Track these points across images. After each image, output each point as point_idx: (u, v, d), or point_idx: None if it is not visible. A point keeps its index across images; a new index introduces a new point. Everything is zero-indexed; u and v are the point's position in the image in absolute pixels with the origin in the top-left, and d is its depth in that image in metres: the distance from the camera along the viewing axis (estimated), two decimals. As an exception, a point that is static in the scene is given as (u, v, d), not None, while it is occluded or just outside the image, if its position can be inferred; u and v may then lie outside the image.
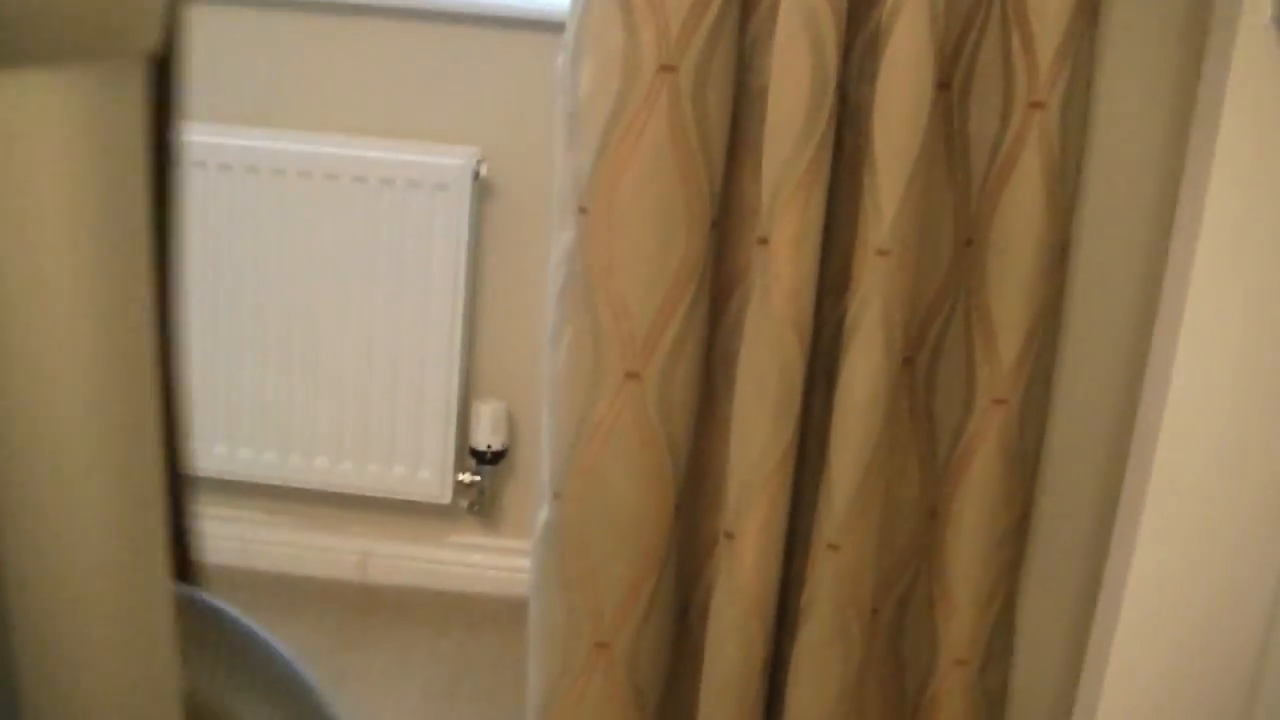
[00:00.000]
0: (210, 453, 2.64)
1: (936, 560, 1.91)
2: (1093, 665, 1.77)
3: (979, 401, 1.83)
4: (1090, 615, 1.81)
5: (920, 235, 1.74)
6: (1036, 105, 1.71)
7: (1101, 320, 1.87)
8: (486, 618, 2.72)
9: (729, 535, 1.81)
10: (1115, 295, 1.87)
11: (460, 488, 2.69)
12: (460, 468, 2.68)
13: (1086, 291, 1.87)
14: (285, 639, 2.48)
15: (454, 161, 2.45)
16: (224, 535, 2.78)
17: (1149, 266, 1.82)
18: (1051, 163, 1.73)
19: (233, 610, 0.77)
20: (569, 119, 1.71)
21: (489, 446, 2.65)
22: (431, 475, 2.63)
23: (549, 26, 2.33)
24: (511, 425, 2.69)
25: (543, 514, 1.84)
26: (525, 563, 1.93)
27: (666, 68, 1.64)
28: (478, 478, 2.70)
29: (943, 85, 1.74)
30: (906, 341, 1.79)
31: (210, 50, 2.53)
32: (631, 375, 1.73)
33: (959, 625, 1.90)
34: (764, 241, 1.70)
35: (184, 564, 0.78)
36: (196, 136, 2.47)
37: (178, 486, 0.75)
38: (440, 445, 2.61)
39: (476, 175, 2.48)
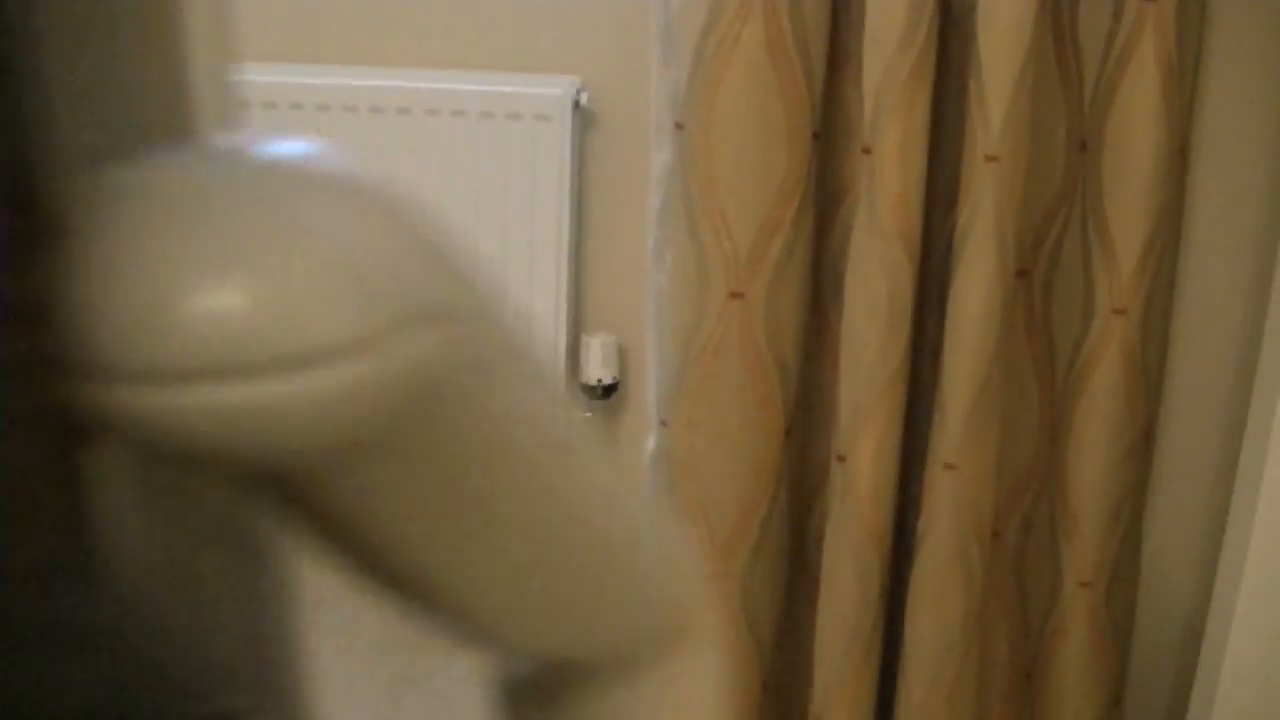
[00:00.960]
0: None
1: (1059, 479, 1.85)
2: (1224, 587, 1.71)
3: (1098, 312, 1.76)
4: (1221, 535, 1.75)
5: (1031, 140, 1.68)
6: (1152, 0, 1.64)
7: (1223, 224, 1.80)
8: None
9: (841, 458, 1.76)
10: (1237, 198, 1.79)
11: (572, 424, 2.67)
12: (571, 404, 2.65)
13: (1207, 194, 1.79)
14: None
15: (554, 91, 2.41)
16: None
17: (1272, 168, 1.75)
18: (1168, 58, 1.65)
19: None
20: (663, 33, 1.66)
21: (599, 381, 2.62)
22: (542, 412, 2.61)
23: (645, -51, 2.28)
24: (622, 358, 2.65)
25: (650, 442, 1.80)
26: (638, 496, 1.90)
27: (760, -26, 1.59)
28: (588, 414, 2.67)
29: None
30: (1021, 252, 1.73)
31: (305, -11, 2.52)
32: (736, 295, 1.69)
33: (1082, 546, 1.84)
34: (868, 151, 1.65)
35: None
36: (292, 77, 2.46)
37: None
38: (550, 381, 2.59)
39: (577, 104, 2.44)
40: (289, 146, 0.48)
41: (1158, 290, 1.76)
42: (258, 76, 2.46)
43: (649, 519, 0.61)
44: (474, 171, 2.46)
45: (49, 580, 0.42)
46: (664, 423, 1.77)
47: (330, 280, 0.41)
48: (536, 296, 2.52)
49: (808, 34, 1.63)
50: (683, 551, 0.66)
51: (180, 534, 0.49)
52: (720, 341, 1.71)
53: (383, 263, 0.45)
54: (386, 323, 0.43)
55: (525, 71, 2.48)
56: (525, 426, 0.52)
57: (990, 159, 1.62)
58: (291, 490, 0.48)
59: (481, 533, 0.51)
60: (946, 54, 1.68)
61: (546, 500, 0.53)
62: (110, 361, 0.39)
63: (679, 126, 1.65)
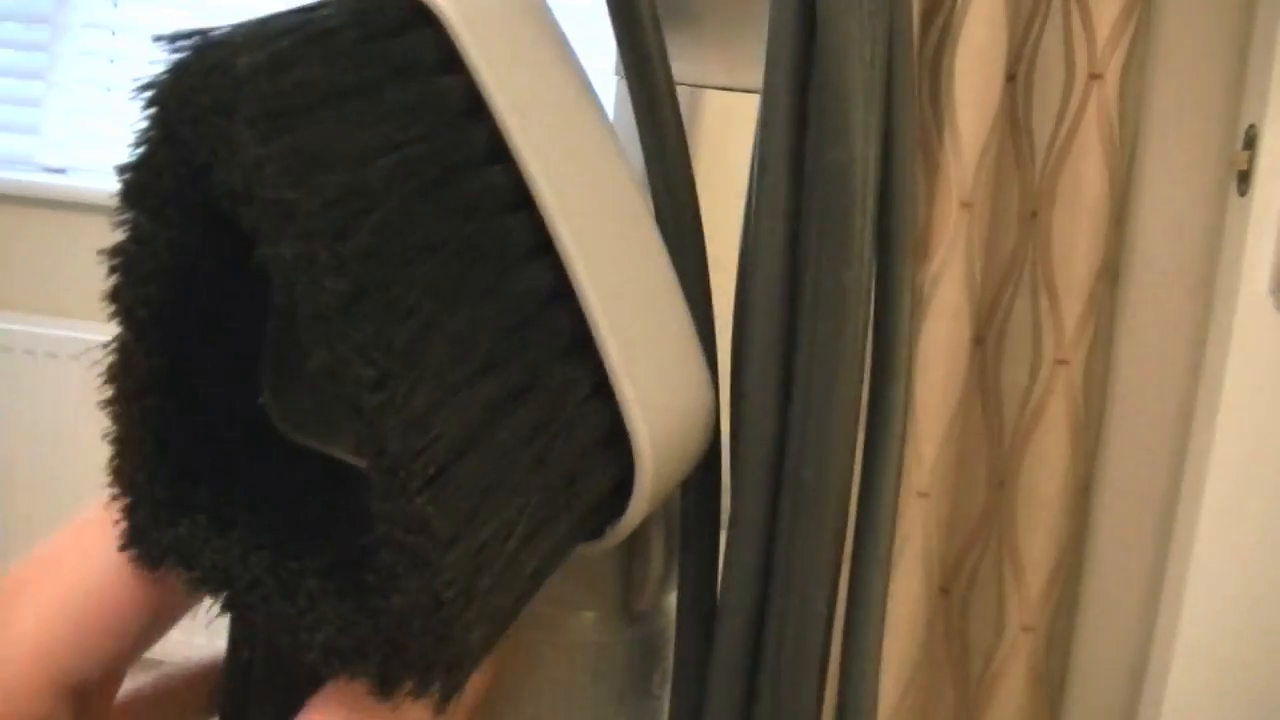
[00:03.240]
0: None
1: (1007, 529, 2.03)
2: (1162, 634, 1.92)
3: (1045, 365, 1.94)
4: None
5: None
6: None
7: (1162, 283, 1.99)
8: None
9: None
10: (1175, 257, 1.98)
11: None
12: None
13: (1145, 254, 1.99)
14: None
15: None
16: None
17: (1210, 218, 1.95)
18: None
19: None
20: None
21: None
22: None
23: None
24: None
25: None
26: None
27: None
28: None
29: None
30: (978, 320, 1.94)
31: None
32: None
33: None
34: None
35: None
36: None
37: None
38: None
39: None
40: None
41: (1097, 345, 1.94)
42: None
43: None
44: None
45: None
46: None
47: None
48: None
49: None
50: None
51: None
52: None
53: None
54: None
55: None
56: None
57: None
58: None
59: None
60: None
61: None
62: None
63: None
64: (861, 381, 0.36)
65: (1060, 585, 1.96)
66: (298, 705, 0.32)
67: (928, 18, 1.87)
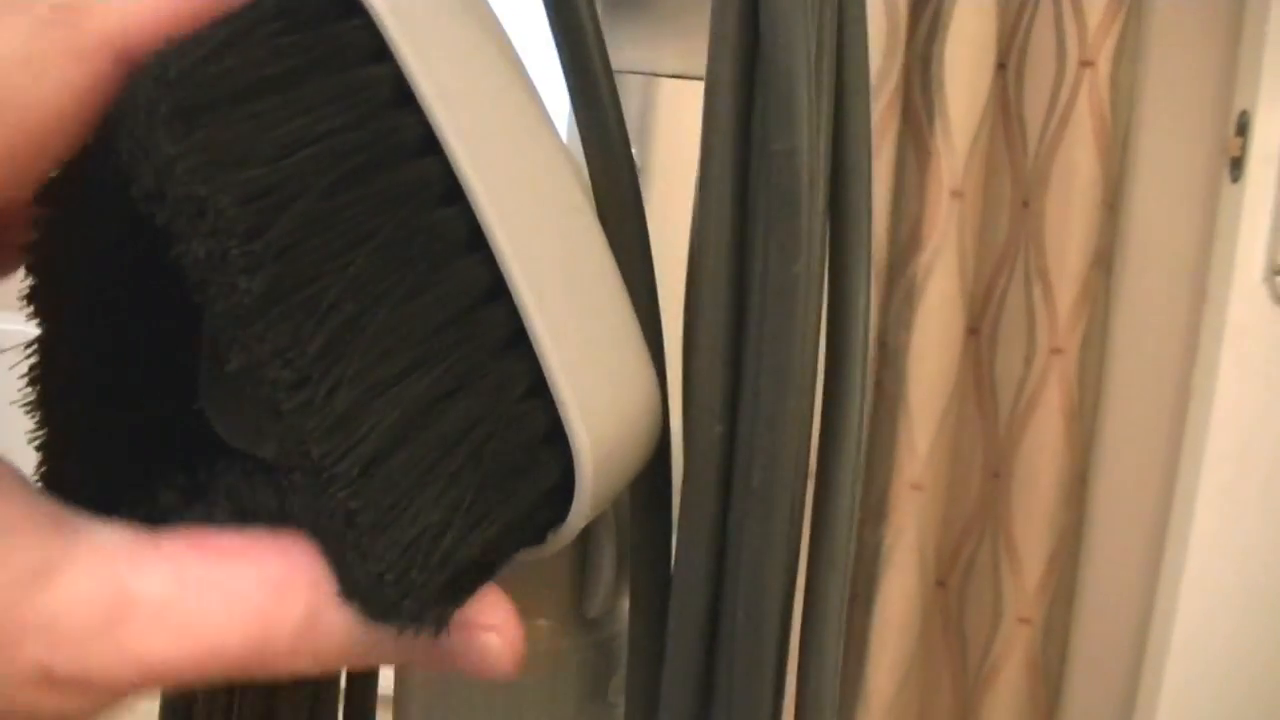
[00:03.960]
0: None
1: (1003, 519, 2.02)
2: (1158, 630, 1.91)
3: (1039, 352, 1.95)
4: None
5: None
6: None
7: (1156, 268, 1.97)
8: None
9: None
10: (1167, 245, 1.95)
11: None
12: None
13: (1139, 241, 1.96)
14: None
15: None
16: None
17: (1204, 203, 1.91)
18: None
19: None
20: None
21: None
22: None
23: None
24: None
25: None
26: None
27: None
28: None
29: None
30: (973, 310, 1.92)
31: None
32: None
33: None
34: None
35: None
36: None
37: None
38: None
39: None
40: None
41: (1092, 333, 1.92)
42: None
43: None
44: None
45: None
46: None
47: None
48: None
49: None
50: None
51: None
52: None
53: None
54: None
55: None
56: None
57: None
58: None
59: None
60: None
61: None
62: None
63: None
64: (814, 379, 0.35)
65: (1057, 576, 1.96)
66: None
67: (918, 6, 1.86)
